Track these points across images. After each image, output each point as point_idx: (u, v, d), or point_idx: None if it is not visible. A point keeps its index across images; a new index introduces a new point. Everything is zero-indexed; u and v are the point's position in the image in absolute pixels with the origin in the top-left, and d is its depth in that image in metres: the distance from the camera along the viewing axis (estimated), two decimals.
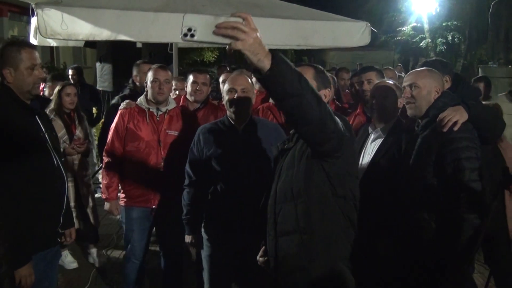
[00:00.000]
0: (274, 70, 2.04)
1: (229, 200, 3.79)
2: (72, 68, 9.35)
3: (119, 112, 4.53)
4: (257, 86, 4.97)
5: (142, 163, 4.41)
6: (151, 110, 4.46)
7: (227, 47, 1.94)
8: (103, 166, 4.56)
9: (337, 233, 2.79)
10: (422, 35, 23.31)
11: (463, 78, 4.82)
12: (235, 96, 3.74)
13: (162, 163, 4.41)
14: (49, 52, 18.08)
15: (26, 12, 16.20)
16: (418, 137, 3.44)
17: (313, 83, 2.66)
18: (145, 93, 4.56)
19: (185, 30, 1.86)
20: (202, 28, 1.87)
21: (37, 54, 3.27)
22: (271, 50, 2.05)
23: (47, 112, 5.01)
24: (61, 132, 5.33)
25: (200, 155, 3.89)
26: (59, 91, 5.59)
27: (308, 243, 2.75)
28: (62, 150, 4.85)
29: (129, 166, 4.46)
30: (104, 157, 4.54)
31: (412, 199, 3.38)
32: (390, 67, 6.78)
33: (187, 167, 4.01)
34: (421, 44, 23.03)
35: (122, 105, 4.61)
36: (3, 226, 2.94)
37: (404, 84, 3.55)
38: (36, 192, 3.15)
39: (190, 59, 20.21)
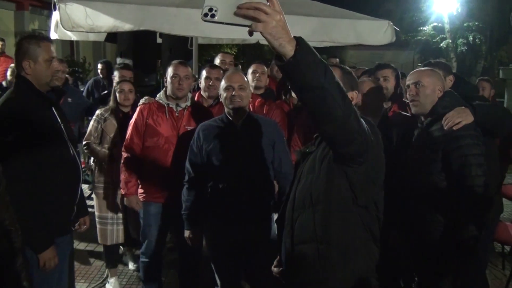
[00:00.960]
0: (298, 57, 1.85)
1: (228, 194, 3.86)
2: (101, 62, 9.35)
3: (138, 108, 4.52)
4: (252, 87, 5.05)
5: (161, 159, 4.38)
6: (170, 106, 4.43)
7: (247, 29, 1.78)
8: (122, 162, 4.52)
9: (356, 245, 2.59)
10: (442, 35, 23.09)
11: (461, 76, 5.03)
12: (233, 93, 3.83)
13: (182, 157, 4.37)
14: (69, 46, 18.22)
15: (47, 6, 16.45)
16: (422, 133, 3.59)
17: None
18: (164, 88, 4.54)
19: (206, 10, 1.72)
20: (224, 9, 1.73)
21: (53, 47, 3.37)
22: (297, 37, 1.86)
23: (102, 111, 5.12)
24: (112, 133, 5.06)
25: (199, 152, 3.96)
26: (114, 88, 5.30)
27: (325, 253, 2.58)
28: (104, 151, 4.98)
29: (148, 161, 4.43)
30: (123, 153, 4.51)
31: (414, 192, 3.55)
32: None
33: (187, 164, 4.06)
34: (441, 45, 22.80)
35: (142, 101, 4.62)
36: (20, 218, 2.94)
37: (408, 82, 3.66)
38: (53, 180, 3.25)
39: (208, 55, 20.23)
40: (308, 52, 1.88)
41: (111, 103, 5.19)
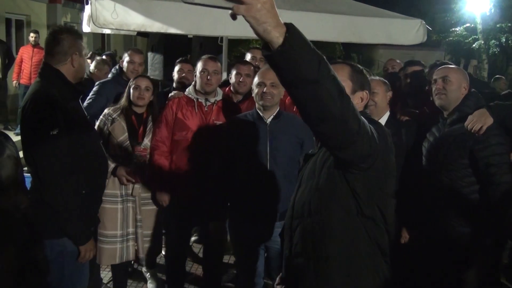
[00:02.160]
0: (286, 46, 1.62)
1: (253, 191, 3.85)
2: (106, 55, 9.40)
3: (168, 102, 4.51)
4: None
5: (190, 153, 4.38)
6: (199, 100, 4.43)
7: (229, 13, 1.59)
8: (152, 156, 4.43)
9: (360, 261, 2.34)
10: (474, 36, 22.73)
11: (471, 74, 5.11)
12: (264, 89, 3.80)
13: (211, 153, 4.36)
14: (100, 39, 18.43)
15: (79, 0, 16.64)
16: (448, 129, 3.68)
17: (348, 84, 2.35)
18: (193, 83, 4.53)
19: None
20: None
21: None
22: (287, 23, 1.65)
23: (111, 110, 4.50)
24: (121, 136, 4.42)
25: (228, 145, 4.01)
26: (130, 83, 4.59)
27: (323, 270, 2.35)
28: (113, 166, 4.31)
29: (177, 155, 4.42)
30: (153, 147, 4.45)
31: (437, 188, 3.67)
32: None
33: (217, 157, 4.10)
34: (473, 46, 22.45)
35: (171, 95, 4.61)
36: (62, 211, 3.09)
37: (436, 76, 3.77)
38: (89, 172, 3.30)
39: (237, 51, 20.24)
40: (299, 40, 1.67)
41: (123, 100, 4.55)
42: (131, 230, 4.46)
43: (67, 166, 3.10)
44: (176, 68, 5.36)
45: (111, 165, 4.27)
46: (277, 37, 1.62)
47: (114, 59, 8.71)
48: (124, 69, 5.35)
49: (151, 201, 4.53)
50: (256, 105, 3.94)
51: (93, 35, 16.73)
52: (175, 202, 4.43)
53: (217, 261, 4.82)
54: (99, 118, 4.52)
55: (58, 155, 3.06)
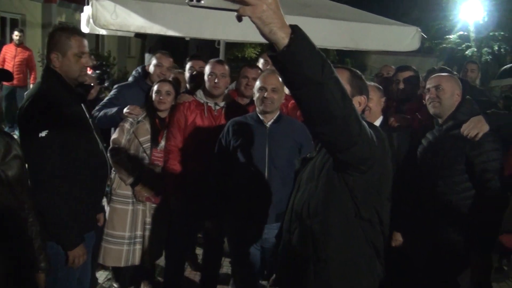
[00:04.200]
0: (292, 47, 1.64)
1: (249, 193, 3.91)
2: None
3: (178, 106, 4.49)
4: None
5: (199, 157, 4.38)
6: (209, 104, 4.45)
7: (235, 15, 1.61)
8: (165, 160, 4.44)
9: (358, 262, 2.40)
10: (468, 44, 22.89)
11: (467, 81, 5.32)
12: (265, 94, 3.87)
13: None
14: (95, 40, 18.38)
15: (74, 0, 16.61)
16: (444, 136, 3.72)
17: (347, 88, 2.27)
18: (202, 87, 4.54)
19: None
20: None
21: (86, 42, 3.29)
22: (292, 25, 1.67)
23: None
24: (144, 137, 4.46)
25: (227, 146, 4.01)
26: (152, 87, 4.61)
27: (322, 272, 2.39)
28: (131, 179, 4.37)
29: (187, 159, 4.43)
30: (167, 151, 4.44)
31: (432, 194, 3.70)
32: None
33: (214, 157, 4.12)
34: (466, 53, 22.59)
35: (179, 98, 4.58)
36: (51, 215, 3.02)
37: (429, 86, 3.83)
38: (83, 176, 3.21)
39: (231, 54, 20.29)
40: (304, 41, 1.69)
41: (148, 104, 4.62)
42: (139, 233, 4.46)
43: (57, 169, 3.02)
44: (187, 66, 5.19)
45: (131, 178, 4.36)
46: (282, 38, 1.64)
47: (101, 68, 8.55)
48: (151, 72, 4.96)
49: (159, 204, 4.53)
50: (257, 109, 3.98)
51: (87, 35, 16.67)
52: (184, 204, 4.43)
53: (215, 263, 4.84)
54: (127, 120, 4.48)
55: (46, 157, 2.98)
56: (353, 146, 1.99)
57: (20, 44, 11.42)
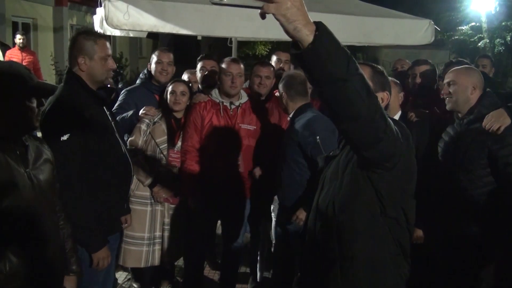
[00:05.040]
0: (316, 44, 1.63)
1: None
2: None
3: (194, 106, 4.50)
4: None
5: (215, 157, 4.41)
6: (224, 103, 4.45)
7: (259, 11, 1.60)
8: (182, 161, 4.44)
9: (384, 260, 2.37)
10: (480, 35, 22.62)
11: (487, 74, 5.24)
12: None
13: (237, 157, 4.47)
14: None
15: (85, 2, 16.73)
16: (465, 130, 3.69)
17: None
18: (217, 86, 4.56)
19: None
20: None
21: (109, 45, 3.34)
22: (316, 22, 1.65)
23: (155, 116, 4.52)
24: (161, 138, 4.47)
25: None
26: (167, 88, 4.59)
27: (349, 271, 2.36)
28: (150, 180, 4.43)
29: (204, 159, 4.45)
30: (184, 151, 4.44)
31: (454, 188, 3.68)
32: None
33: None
34: (479, 44, 22.33)
35: (194, 97, 4.59)
36: (75, 218, 3.04)
37: (444, 81, 3.87)
38: (107, 179, 3.27)
39: (243, 52, 20.33)
40: (329, 38, 1.67)
41: (163, 105, 4.62)
42: (158, 234, 4.48)
43: (80, 172, 3.07)
44: (198, 66, 5.17)
45: (149, 179, 4.41)
46: (307, 35, 1.63)
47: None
48: (153, 72, 4.91)
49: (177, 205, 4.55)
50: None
51: None
52: (202, 203, 4.45)
53: (233, 262, 4.87)
54: (143, 121, 4.47)
55: (69, 160, 3.02)
56: (379, 143, 1.98)
57: (24, 47, 11.44)
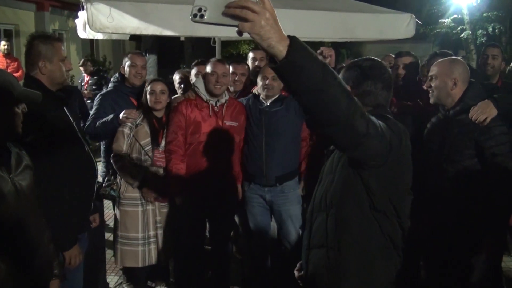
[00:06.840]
0: (289, 58, 1.69)
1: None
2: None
3: (179, 104, 4.52)
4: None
5: (202, 154, 4.44)
6: (211, 102, 4.47)
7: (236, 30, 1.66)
8: (168, 160, 4.45)
9: (372, 252, 2.45)
10: (462, 26, 22.77)
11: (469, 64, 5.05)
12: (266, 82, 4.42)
13: (225, 153, 4.52)
14: (89, 45, 18.38)
15: (67, 7, 16.62)
16: (450, 121, 3.68)
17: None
18: (204, 85, 4.56)
19: (195, 10, 1.63)
20: (213, 8, 1.63)
21: (64, 47, 3.41)
22: (290, 36, 1.71)
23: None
24: (144, 140, 4.49)
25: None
26: (145, 88, 4.60)
27: (335, 260, 2.47)
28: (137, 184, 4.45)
29: (190, 157, 4.47)
30: (168, 150, 4.46)
31: (442, 179, 3.69)
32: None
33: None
34: (461, 36, 22.49)
35: (177, 96, 4.63)
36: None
37: (428, 74, 3.86)
38: (72, 179, 3.26)
39: (226, 52, 20.32)
40: (302, 52, 1.74)
41: (143, 106, 4.61)
42: (152, 233, 4.53)
43: (45, 172, 3.03)
44: (193, 72, 5.17)
45: (136, 181, 4.45)
46: (280, 51, 1.70)
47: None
48: (126, 74, 4.89)
49: (168, 203, 4.61)
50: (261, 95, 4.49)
51: (82, 41, 16.69)
52: (189, 202, 4.47)
53: (224, 262, 4.89)
54: (125, 125, 4.50)
55: (34, 161, 2.95)
56: (360, 145, 2.04)
57: (8, 54, 11.38)
